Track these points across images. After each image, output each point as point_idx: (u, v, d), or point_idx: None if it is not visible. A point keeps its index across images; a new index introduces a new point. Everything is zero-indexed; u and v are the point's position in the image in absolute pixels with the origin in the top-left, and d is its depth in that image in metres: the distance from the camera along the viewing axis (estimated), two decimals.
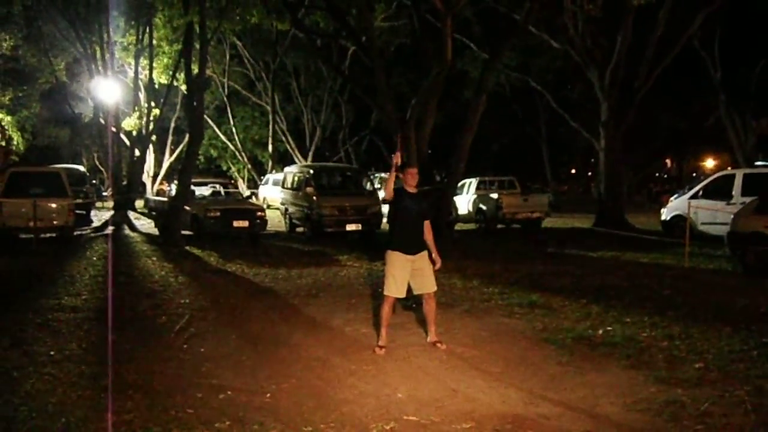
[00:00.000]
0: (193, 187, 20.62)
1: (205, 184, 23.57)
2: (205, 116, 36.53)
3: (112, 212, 30.21)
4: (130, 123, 32.59)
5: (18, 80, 39.22)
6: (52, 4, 32.97)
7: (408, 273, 7.82)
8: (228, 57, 42.09)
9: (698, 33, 27.23)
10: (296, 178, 22.96)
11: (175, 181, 20.78)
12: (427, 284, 7.92)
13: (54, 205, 18.45)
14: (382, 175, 35.18)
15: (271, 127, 42.60)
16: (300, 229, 22.16)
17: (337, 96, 45.05)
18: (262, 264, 15.04)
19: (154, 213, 24.82)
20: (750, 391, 6.55)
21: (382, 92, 20.06)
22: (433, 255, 7.97)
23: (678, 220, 19.90)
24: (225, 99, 44.00)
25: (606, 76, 24.78)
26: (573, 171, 69.74)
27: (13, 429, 5.68)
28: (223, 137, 45.79)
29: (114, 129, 33.62)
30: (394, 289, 7.85)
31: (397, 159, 7.50)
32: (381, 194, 22.34)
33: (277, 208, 26.09)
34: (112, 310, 9.83)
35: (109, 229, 22.61)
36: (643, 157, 46.41)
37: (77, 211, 20.19)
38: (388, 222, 7.95)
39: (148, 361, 7.62)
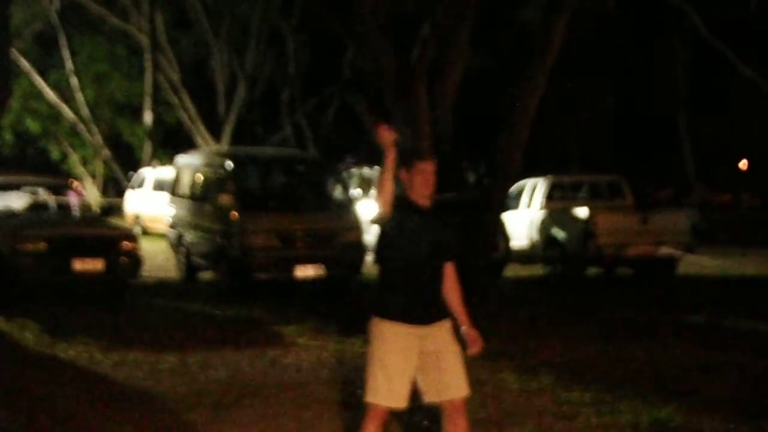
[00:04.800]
0: None
1: (15, 186, 16.72)
2: (15, 52, 24.47)
3: None
4: None
5: None
6: None
7: (413, 362, 5.32)
8: None
9: None
10: (200, 178, 16.00)
11: None
12: (451, 383, 5.38)
13: None
14: (365, 171, 22.25)
15: (149, 76, 27.79)
16: (207, 275, 15.76)
17: (279, 21, 29.36)
18: (131, 344, 10.82)
19: None
20: None
21: (366, 11, 13.37)
22: (463, 327, 5.41)
23: None
24: (56, 19, 28.55)
25: None
26: (743, 166, 41.58)
27: None
28: (52, 95, 29.37)
29: None
30: (385, 392, 5.28)
31: (388, 134, 4.94)
32: (366, 206, 16.33)
33: (162, 235, 18.45)
34: None
35: None
36: None
37: None
38: (375, 262, 5.50)
39: None
